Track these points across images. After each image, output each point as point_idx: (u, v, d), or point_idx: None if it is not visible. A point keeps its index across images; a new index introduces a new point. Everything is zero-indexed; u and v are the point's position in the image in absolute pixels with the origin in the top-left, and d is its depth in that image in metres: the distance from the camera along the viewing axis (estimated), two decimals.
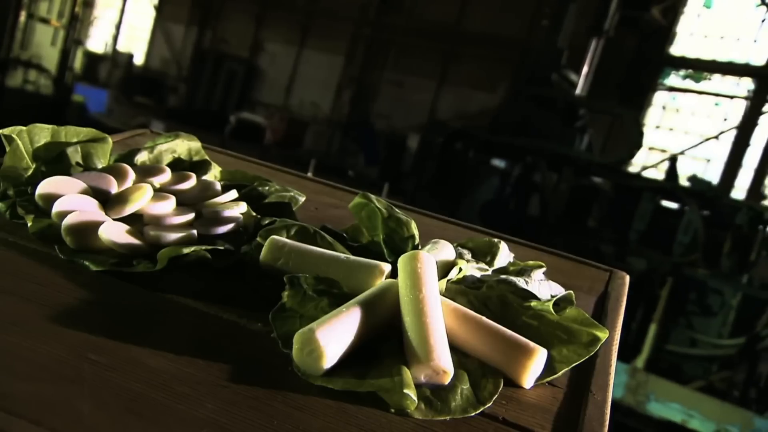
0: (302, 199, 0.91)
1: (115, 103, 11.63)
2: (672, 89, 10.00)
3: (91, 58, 13.11)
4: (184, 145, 0.91)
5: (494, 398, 0.57)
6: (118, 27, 13.95)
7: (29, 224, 0.70)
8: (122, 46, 14.03)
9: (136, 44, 14.05)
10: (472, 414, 0.55)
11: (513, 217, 7.02)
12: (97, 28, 13.74)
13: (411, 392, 0.53)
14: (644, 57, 9.00)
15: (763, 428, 4.19)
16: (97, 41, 14.00)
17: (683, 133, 9.78)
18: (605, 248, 6.46)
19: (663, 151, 9.73)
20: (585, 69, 7.68)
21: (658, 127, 10.02)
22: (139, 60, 13.66)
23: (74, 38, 9.64)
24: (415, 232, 0.76)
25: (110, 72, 13.53)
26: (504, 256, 0.79)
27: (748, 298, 5.98)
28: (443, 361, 0.56)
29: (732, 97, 9.53)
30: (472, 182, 7.30)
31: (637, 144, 7.03)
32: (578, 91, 7.72)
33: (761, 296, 5.96)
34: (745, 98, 9.36)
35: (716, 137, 9.18)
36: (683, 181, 7.13)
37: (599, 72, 7.75)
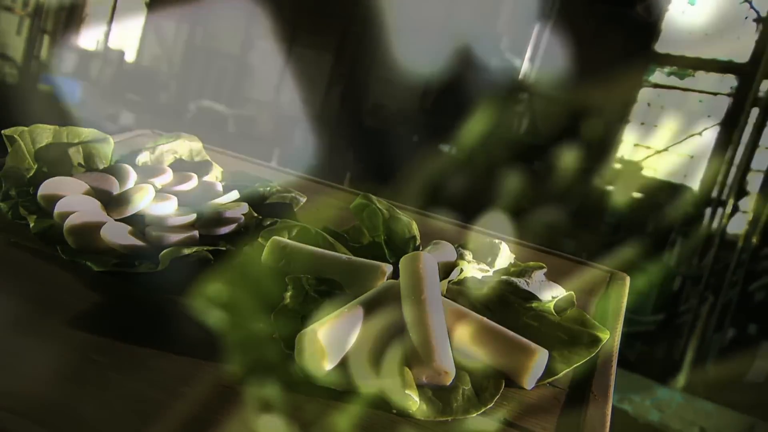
0: (303, 199, 0.91)
1: (88, 94, 11.45)
2: (657, 86, 10.05)
3: (62, 49, 12.86)
4: (186, 146, 0.90)
5: (495, 399, 0.57)
6: (108, 23, 13.72)
7: (31, 224, 0.70)
8: (97, 38, 13.78)
9: (122, 39, 13.84)
10: (474, 415, 0.55)
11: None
12: (72, 19, 13.47)
13: (413, 393, 0.54)
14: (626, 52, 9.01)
15: (663, 396, 4.32)
16: (69, 32, 13.74)
17: (667, 130, 9.83)
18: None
19: (648, 147, 9.79)
20: (528, 53, 7.67)
21: (642, 123, 10.08)
22: (123, 55, 13.47)
23: (40, 27, 9.44)
24: (416, 232, 0.77)
25: (83, 63, 13.31)
26: (505, 257, 0.79)
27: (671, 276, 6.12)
28: (445, 361, 0.56)
29: (715, 94, 9.59)
30: (409, 164, 7.31)
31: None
32: (521, 75, 7.72)
33: (681, 273, 6.09)
34: (729, 95, 9.43)
35: (699, 134, 9.23)
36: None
37: (544, 57, 7.74)
